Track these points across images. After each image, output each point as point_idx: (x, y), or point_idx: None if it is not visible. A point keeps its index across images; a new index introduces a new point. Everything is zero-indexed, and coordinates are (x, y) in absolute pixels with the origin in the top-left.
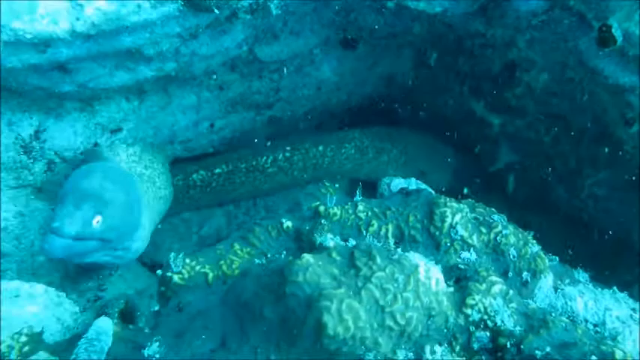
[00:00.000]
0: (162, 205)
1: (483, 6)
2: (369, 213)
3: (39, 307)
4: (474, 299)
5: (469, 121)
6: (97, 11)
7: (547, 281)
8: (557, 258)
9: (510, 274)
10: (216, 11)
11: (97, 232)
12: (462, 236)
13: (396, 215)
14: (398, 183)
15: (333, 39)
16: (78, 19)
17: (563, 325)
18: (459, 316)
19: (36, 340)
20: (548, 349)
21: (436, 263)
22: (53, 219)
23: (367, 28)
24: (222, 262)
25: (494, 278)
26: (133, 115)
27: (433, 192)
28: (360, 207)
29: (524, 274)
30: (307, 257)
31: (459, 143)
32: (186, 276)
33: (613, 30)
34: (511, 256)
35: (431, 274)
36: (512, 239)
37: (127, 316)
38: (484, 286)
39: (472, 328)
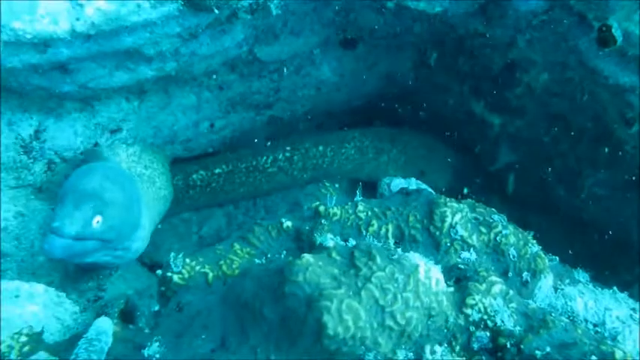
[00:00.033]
0: (162, 205)
1: (483, 6)
2: (369, 213)
3: (39, 307)
4: (473, 299)
5: (469, 121)
6: (97, 11)
7: (547, 281)
8: (557, 258)
9: (510, 274)
10: (216, 11)
11: (97, 232)
12: (461, 236)
13: (396, 215)
14: (398, 183)
15: (333, 39)
16: (78, 19)
17: (563, 325)
18: (459, 316)
19: (36, 340)
20: (548, 349)
21: (436, 263)
22: (53, 219)
23: (367, 28)
24: (222, 262)
25: (494, 278)
26: (133, 115)
27: (433, 192)
28: (360, 207)
29: (524, 274)
30: (307, 257)
31: (458, 143)
32: (186, 276)
33: (613, 30)
34: (511, 256)
35: (431, 274)
36: (512, 239)
37: (127, 316)
38: (484, 286)
39: (472, 328)
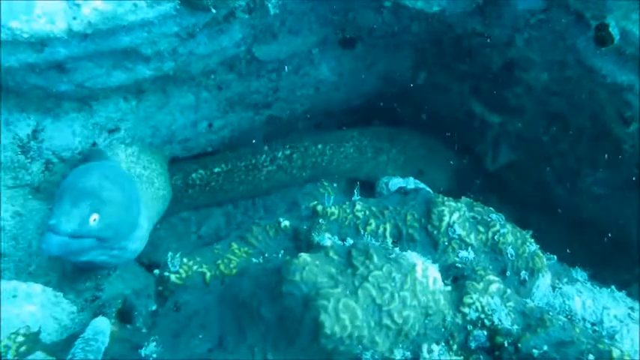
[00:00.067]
0: (161, 205)
1: (481, 5)
2: (367, 212)
3: (36, 307)
4: (471, 298)
5: (468, 120)
6: (93, 11)
7: (545, 280)
8: (555, 257)
9: (508, 272)
10: (214, 10)
11: (94, 230)
12: (459, 235)
13: (393, 214)
14: (396, 182)
15: (331, 38)
16: (75, 18)
17: (561, 323)
18: (457, 314)
19: (33, 339)
20: (545, 347)
21: (434, 262)
22: (50, 217)
23: (366, 28)
24: (219, 261)
25: (491, 277)
26: (131, 114)
27: (431, 191)
28: (358, 206)
29: (522, 272)
30: (304, 256)
31: (458, 143)
32: (183, 275)
33: (610, 29)
34: (509, 255)
35: (428, 272)
36: (510, 238)
37: (124, 316)
38: (481, 284)
39: (469, 327)
